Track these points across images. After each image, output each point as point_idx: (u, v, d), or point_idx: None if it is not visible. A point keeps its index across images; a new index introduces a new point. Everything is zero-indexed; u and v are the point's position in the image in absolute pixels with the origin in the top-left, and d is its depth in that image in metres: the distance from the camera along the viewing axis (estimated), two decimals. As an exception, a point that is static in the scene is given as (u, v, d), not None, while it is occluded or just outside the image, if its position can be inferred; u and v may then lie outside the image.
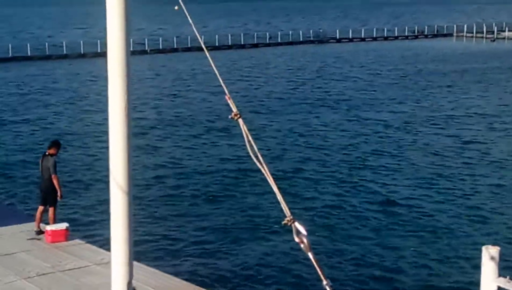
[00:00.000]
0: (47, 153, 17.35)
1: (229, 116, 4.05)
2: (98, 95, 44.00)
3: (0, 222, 18.51)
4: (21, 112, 38.84)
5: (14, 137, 32.36)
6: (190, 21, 4.62)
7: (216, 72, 4.37)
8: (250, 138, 3.81)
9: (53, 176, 17.05)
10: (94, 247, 16.82)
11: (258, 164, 3.79)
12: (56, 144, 17.77)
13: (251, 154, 3.84)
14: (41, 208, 17.37)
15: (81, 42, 70.61)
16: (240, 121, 3.96)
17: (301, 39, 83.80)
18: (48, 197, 17.34)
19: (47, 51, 67.15)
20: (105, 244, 17.70)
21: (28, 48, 66.54)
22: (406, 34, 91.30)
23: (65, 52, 67.74)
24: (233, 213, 21.47)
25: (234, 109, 4.00)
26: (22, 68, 58.68)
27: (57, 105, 41.04)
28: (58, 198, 17.32)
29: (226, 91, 4.12)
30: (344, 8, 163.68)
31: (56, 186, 17.15)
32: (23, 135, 32.62)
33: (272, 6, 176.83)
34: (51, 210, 17.26)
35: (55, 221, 17.31)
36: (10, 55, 64.84)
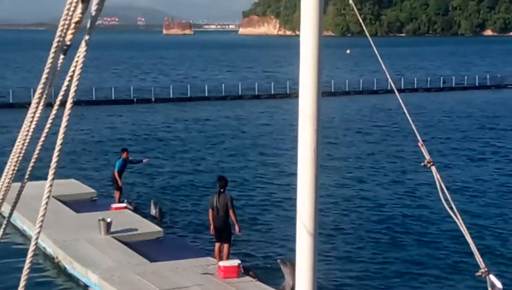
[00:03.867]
0: (221, 191, 17.88)
1: (422, 164, 3.99)
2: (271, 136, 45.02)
3: (176, 255, 19.23)
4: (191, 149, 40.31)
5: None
6: (382, 63, 4.60)
7: (409, 117, 4.32)
8: (443, 185, 3.73)
9: (231, 211, 17.56)
10: (264, 285, 17.03)
11: (451, 212, 3.70)
12: (224, 179, 18.30)
13: (443, 202, 3.75)
14: (217, 244, 17.92)
15: (256, 84, 72.66)
16: (433, 168, 3.89)
17: (477, 84, 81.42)
18: (223, 234, 17.85)
19: (223, 92, 69.49)
20: (275, 282, 17.91)
21: (206, 89, 69.26)
22: None
23: (240, 93, 69.79)
24: (420, 259, 21.02)
25: (427, 156, 3.94)
26: (199, 108, 61.10)
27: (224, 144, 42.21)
28: (237, 232, 17.79)
29: (419, 137, 4.07)
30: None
31: (234, 221, 17.67)
32: (193, 173, 33.71)
33: (437, 51, 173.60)
34: (226, 246, 17.75)
35: (228, 257, 17.75)
36: (189, 95, 67.72)
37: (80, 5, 3.60)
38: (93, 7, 3.64)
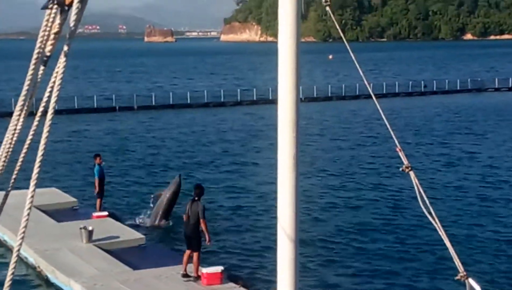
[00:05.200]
0: (196, 199, 17.80)
1: (400, 169, 4.03)
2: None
3: (159, 263, 19.20)
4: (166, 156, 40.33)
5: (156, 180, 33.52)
6: (359, 69, 4.65)
7: (386, 122, 4.36)
8: (421, 191, 3.78)
9: (201, 220, 17.45)
10: (248, 292, 17.04)
11: (429, 217, 3.75)
12: (200, 188, 18.25)
13: (422, 207, 3.80)
14: (188, 252, 17.81)
15: (238, 90, 72.82)
16: (412, 173, 3.93)
17: (458, 88, 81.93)
18: (193, 242, 17.74)
19: (205, 99, 69.55)
20: (258, 288, 17.93)
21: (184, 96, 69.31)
22: None
23: (222, 100, 69.90)
24: (400, 263, 21.13)
25: (405, 161, 3.98)
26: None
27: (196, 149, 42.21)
28: (207, 243, 17.70)
29: (397, 143, 4.11)
30: (507, 56, 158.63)
31: (205, 231, 17.56)
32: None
33: (418, 55, 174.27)
34: (195, 255, 17.64)
35: (198, 266, 17.67)
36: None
37: (58, 16, 3.62)
38: (72, 17, 3.65)
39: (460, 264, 3.65)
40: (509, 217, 26.39)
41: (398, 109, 62.21)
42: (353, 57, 4.71)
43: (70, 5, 3.60)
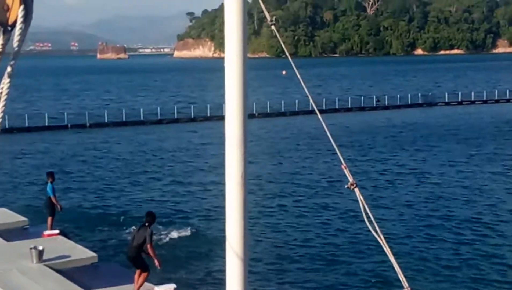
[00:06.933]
0: (146, 224, 17.82)
1: (345, 186, 4.08)
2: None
3: (111, 282, 18.97)
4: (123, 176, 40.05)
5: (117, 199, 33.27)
6: (303, 84, 4.70)
7: (331, 139, 4.42)
8: (366, 207, 3.83)
9: (149, 245, 17.48)
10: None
11: (374, 233, 3.79)
12: (152, 216, 18.25)
13: (367, 223, 3.85)
14: (138, 271, 17.75)
15: (192, 107, 72.67)
16: (357, 190, 3.98)
17: (409, 102, 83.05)
18: (136, 263, 17.76)
19: (159, 115, 69.41)
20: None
21: (141, 112, 68.98)
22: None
23: (176, 116, 69.82)
24: (345, 279, 21.28)
25: (350, 179, 4.03)
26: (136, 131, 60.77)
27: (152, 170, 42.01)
28: (157, 265, 17.73)
29: (342, 160, 4.16)
30: (456, 70, 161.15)
31: (153, 255, 17.60)
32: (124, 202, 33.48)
33: (370, 70, 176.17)
34: (142, 276, 17.64)
35: (141, 285, 17.65)
36: (124, 119, 67.32)
37: (1, 36, 3.59)
38: (16, 38, 3.63)
39: (404, 278, 3.71)
40: (452, 232, 26.74)
41: (350, 124, 62.70)
42: (297, 74, 4.76)
43: (13, 25, 3.58)
